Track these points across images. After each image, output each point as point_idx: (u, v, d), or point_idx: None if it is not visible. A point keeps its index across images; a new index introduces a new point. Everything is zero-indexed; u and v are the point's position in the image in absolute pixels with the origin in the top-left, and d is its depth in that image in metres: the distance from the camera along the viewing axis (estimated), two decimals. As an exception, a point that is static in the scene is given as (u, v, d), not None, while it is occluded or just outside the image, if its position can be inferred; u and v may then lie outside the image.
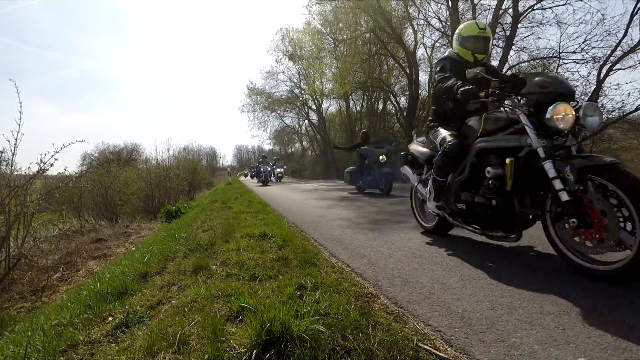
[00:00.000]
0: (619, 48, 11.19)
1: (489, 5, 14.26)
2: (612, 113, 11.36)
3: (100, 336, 1.71)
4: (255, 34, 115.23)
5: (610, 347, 1.27)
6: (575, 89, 12.35)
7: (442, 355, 1.27)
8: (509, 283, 1.98)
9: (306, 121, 35.18)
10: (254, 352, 1.27)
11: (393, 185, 8.19)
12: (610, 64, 11.43)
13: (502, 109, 2.39)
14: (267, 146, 48.26)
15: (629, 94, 11.03)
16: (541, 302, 1.70)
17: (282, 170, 21.40)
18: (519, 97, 2.33)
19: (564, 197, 1.96)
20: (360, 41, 20.02)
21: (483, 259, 2.50)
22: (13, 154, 4.72)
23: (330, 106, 32.97)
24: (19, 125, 4.49)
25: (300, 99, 33.42)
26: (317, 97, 31.39)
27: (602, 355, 1.23)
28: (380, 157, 8.14)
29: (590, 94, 11.75)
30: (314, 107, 33.06)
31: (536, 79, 2.24)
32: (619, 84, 11.31)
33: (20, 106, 4.57)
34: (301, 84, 32.41)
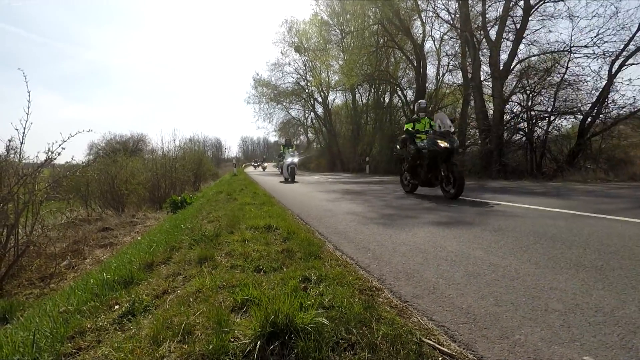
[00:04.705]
0: (632, 42, 10.98)
1: (500, -3, 13.97)
2: (623, 109, 11.19)
3: (107, 324, 1.73)
4: (262, 25, 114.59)
5: (616, 346, 1.26)
6: (586, 83, 12.24)
7: (446, 350, 1.27)
8: (514, 279, 1.97)
9: (312, 113, 35.15)
10: (258, 343, 1.28)
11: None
12: (622, 59, 11.22)
13: None
14: (273, 138, 48.36)
15: (641, 89, 10.81)
16: (546, 299, 1.69)
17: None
18: None
19: None
20: (367, 33, 19.84)
21: (488, 255, 2.49)
22: (22, 143, 4.76)
23: (336, 98, 32.93)
24: (27, 114, 4.51)
25: (306, 91, 33.33)
26: (323, 89, 31.30)
27: (608, 355, 1.22)
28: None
29: (601, 89, 11.57)
30: (319, 99, 33.01)
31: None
32: (630, 79, 11.07)
33: (29, 95, 4.58)
34: (307, 76, 32.31)
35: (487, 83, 15.57)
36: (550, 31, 15.61)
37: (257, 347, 1.26)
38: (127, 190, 10.73)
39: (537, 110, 13.29)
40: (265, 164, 34.81)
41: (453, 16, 16.39)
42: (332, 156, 30.97)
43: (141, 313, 1.81)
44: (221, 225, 3.62)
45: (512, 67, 13.74)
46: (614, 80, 11.35)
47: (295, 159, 13.13)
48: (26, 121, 4.54)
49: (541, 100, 13.41)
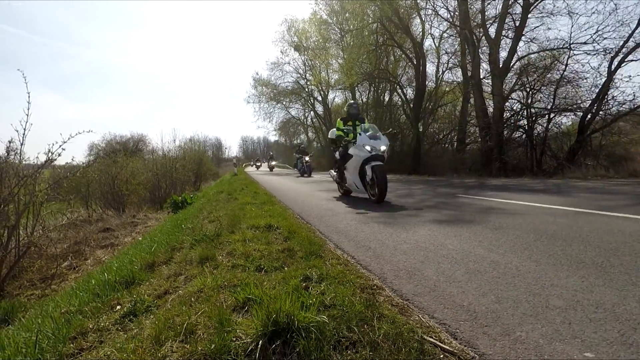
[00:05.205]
0: (632, 39, 10.95)
1: (499, -5, 13.95)
2: (623, 106, 11.17)
3: (108, 324, 1.73)
4: (262, 24, 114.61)
5: (617, 343, 1.27)
6: (586, 80, 12.22)
7: (447, 347, 1.27)
8: (515, 277, 1.97)
9: (312, 112, 35.17)
10: (260, 342, 1.28)
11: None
12: (622, 56, 11.21)
13: None
14: (273, 137, 48.30)
15: (641, 86, 10.83)
16: (547, 296, 1.69)
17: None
18: None
19: None
20: (366, 31, 19.79)
21: (488, 252, 2.49)
22: (22, 144, 4.76)
23: (336, 97, 32.88)
24: (27, 115, 4.51)
25: (306, 90, 33.33)
26: (323, 88, 31.27)
27: (609, 351, 1.22)
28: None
29: (600, 86, 11.56)
30: (319, 98, 32.99)
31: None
32: (630, 76, 11.05)
33: (29, 96, 4.59)
34: (307, 75, 32.29)
35: (486, 81, 15.56)
36: (549, 28, 15.66)
37: (259, 346, 1.27)
38: (128, 191, 10.73)
39: (537, 108, 13.29)
40: (273, 163, 29.54)
41: (452, 14, 16.38)
42: (332, 155, 30.93)
43: (143, 313, 1.81)
44: (222, 225, 3.63)
45: (511, 64, 13.72)
46: (614, 77, 11.34)
47: (382, 146, 5.71)
48: (26, 122, 4.55)
49: (541, 97, 13.41)
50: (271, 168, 28.62)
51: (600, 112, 11.73)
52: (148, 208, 11.06)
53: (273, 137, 50.21)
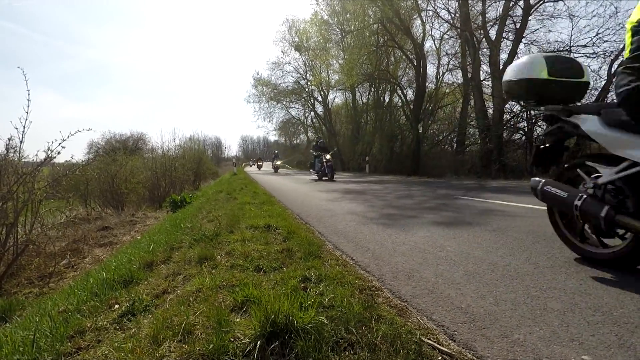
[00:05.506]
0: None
1: (500, -3, 13.98)
2: (622, 109, 11.19)
3: (106, 323, 1.73)
4: (262, 24, 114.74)
5: (614, 345, 1.27)
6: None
7: (445, 350, 1.28)
8: (513, 279, 1.97)
9: (312, 112, 35.15)
10: (258, 342, 1.28)
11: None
12: (622, 58, 11.23)
13: None
14: (273, 137, 48.30)
15: (640, 89, 10.87)
16: (545, 298, 1.69)
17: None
18: None
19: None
20: (367, 32, 19.83)
21: (487, 254, 2.49)
22: (21, 142, 4.76)
23: (336, 98, 32.89)
24: (27, 113, 4.51)
25: (306, 90, 33.31)
26: (323, 88, 31.25)
27: (606, 354, 1.22)
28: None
29: (600, 89, 11.58)
30: (320, 98, 32.98)
31: None
32: (630, 79, 11.08)
33: (29, 94, 4.58)
34: (307, 75, 32.27)
35: (487, 82, 15.61)
36: (550, 31, 15.65)
37: (257, 346, 1.27)
38: (127, 189, 10.73)
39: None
40: (278, 162, 25.02)
41: (453, 16, 16.42)
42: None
43: (141, 312, 1.81)
44: (221, 224, 3.62)
45: (512, 66, 13.75)
46: (614, 79, 11.36)
47: None
48: (26, 120, 4.54)
49: (541, 99, 13.42)
50: (276, 168, 24.51)
51: (600, 115, 11.75)
52: (147, 207, 11.05)
53: (273, 137, 50.20)
